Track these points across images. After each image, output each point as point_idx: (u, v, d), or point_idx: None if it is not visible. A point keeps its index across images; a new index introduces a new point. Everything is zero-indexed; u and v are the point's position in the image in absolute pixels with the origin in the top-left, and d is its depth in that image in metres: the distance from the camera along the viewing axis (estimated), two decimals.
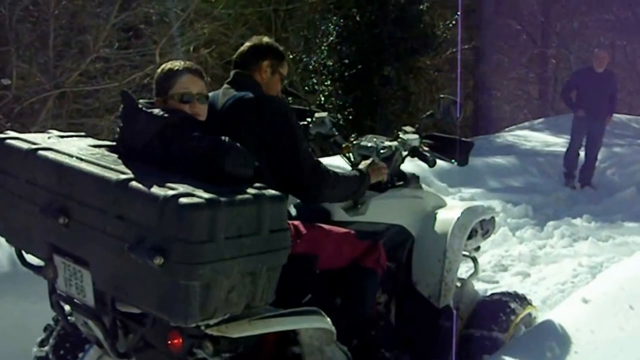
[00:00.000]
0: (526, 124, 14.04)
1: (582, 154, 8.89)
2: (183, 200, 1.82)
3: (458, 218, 3.37)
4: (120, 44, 7.88)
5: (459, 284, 3.51)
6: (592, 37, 17.73)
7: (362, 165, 3.06)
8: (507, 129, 13.69)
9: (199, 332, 2.21)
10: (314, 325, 2.53)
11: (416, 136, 3.33)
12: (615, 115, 12.58)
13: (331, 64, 10.66)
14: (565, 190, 8.75)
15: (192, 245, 1.80)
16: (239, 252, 1.90)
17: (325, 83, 10.70)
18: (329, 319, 2.57)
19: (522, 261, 5.90)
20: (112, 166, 2.09)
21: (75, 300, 2.35)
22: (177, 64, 2.48)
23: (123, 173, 2.01)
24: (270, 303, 2.19)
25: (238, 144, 2.21)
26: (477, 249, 3.76)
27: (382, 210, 3.20)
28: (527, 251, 6.11)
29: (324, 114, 3.46)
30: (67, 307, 2.55)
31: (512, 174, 9.24)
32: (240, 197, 1.91)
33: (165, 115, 2.28)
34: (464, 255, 3.59)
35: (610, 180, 9.15)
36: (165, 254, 1.79)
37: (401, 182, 3.34)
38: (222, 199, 1.86)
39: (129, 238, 1.89)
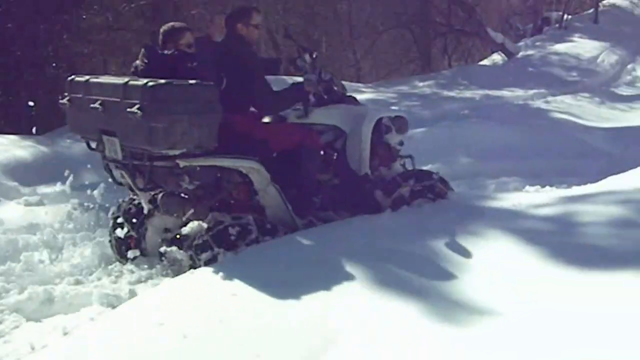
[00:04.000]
0: None
1: None
2: (150, 83, 3.38)
3: (366, 115, 4.65)
4: None
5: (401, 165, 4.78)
6: None
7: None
8: None
9: (181, 170, 3.74)
10: (248, 165, 3.92)
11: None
12: None
13: None
14: None
15: (159, 106, 3.37)
16: (186, 110, 3.43)
17: None
18: (262, 165, 3.97)
19: None
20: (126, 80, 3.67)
21: (114, 160, 3.88)
22: (180, 24, 4.05)
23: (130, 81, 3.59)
24: None
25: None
26: (401, 143, 4.93)
27: (322, 116, 4.51)
28: None
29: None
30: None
31: None
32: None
33: (187, 52, 3.91)
34: (401, 157, 4.78)
35: None
36: (141, 109, 3.34)
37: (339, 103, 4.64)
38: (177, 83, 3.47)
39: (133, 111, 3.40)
